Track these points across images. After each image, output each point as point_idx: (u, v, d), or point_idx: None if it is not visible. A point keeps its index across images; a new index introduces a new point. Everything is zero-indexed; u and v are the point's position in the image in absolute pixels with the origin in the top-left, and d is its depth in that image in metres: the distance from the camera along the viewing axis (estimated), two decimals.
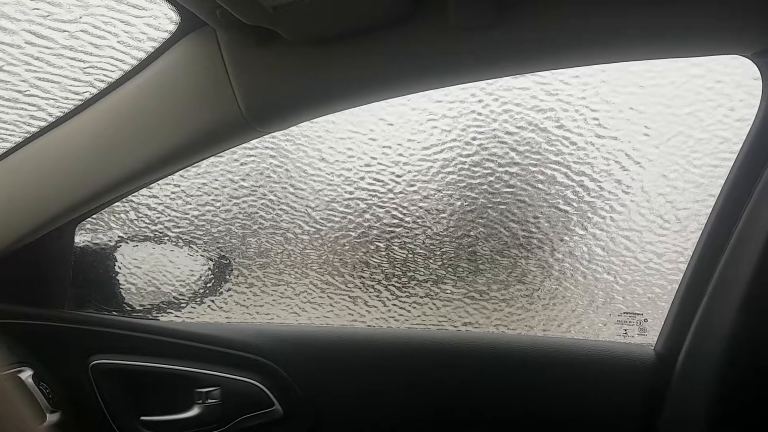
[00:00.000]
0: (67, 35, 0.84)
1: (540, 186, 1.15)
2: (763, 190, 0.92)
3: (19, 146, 0.92)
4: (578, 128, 1.10)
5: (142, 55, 0.83)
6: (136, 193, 1.18)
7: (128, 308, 1.25)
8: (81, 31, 0.84)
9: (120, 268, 1.25)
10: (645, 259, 1.17)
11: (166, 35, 0.80)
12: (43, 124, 0.92)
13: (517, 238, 1.19)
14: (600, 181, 1.14)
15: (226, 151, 1.15)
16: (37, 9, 0.82)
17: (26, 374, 1.03)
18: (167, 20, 0.78)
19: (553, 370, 1.14)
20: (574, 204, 1.16)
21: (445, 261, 1.23)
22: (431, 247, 1.22)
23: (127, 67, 0.84)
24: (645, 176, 1.12)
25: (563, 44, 0.73)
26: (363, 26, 0.72)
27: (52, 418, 1.03)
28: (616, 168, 1.12)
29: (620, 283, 1.19)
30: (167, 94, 0.82)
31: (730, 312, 0.94)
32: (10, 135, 0.95)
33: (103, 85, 0.86)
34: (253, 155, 1.20)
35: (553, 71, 1.05)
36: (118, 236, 1.24)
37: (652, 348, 1.14)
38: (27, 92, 0.91)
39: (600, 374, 1.12)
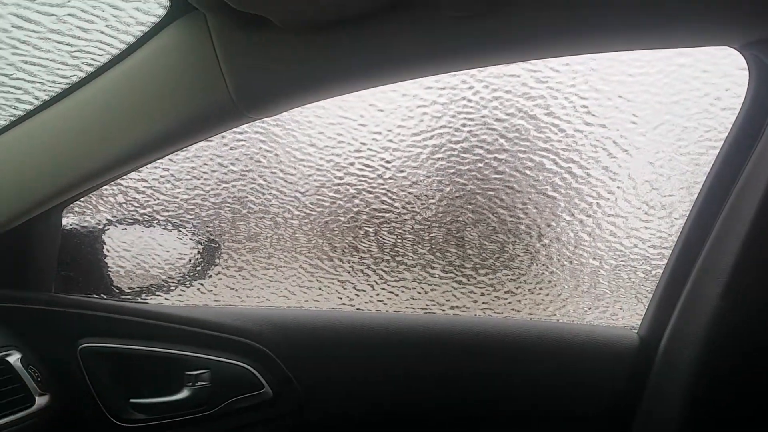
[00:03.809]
0: (54, 19, 0.83)
1: (528, 172, 1.16)
2: (748, 179, 0.93)
3: (4, 130, 0.91)
4: (567, 116, 1.11)
5: (131, 40, 0.82)
6: (124, 177, 1.18)
7: (117, 291, 1.25)
8: (69, 15, 0.82)
9: (108, 251, 1.24)
10: (630, 244, 1.19)
11: (156, 20, 0.79)
12: (29, 107, 0.91)
13: (505, 224, 1.20)
14: (588, 168, 1.15)
15: (216, 136, 1.14)
16: None
17: (14, 357, 1.03)
18: (156, 5, 0.78)
19: (538, 352, 1.15)
20: (562, 190, 1.17)
21: (433, 246, 1.23)
22: (420, 232, 1.23)
23: (115, 51, 0.83)
24: (632, 163, 1.13)
25: (554, 34, 0.74)
26: (354, 13, 0.72)
27: (41, 401, 1.03)
28: (604, 155, 1.13)
29: (605, 268, 1.21)
30: (156, 78, 0.81)
31: (712, 298, 0.96)
32: None
33: (90, 69, 0.85)
34: (242, 140, 1.19)
35: (543, 59, 1.05)
36: (107, 219, 1.23)
37: (636, 332, 1.16)
38: (13, 75, 0.90)
39: (584, 357, 1.14)
